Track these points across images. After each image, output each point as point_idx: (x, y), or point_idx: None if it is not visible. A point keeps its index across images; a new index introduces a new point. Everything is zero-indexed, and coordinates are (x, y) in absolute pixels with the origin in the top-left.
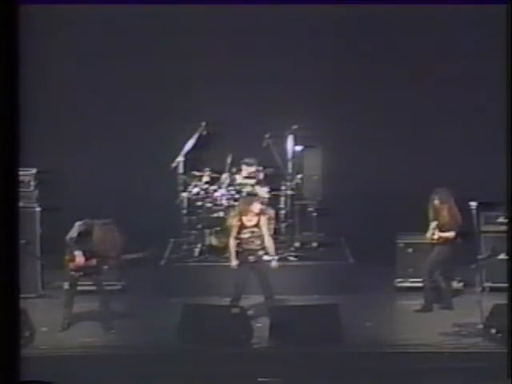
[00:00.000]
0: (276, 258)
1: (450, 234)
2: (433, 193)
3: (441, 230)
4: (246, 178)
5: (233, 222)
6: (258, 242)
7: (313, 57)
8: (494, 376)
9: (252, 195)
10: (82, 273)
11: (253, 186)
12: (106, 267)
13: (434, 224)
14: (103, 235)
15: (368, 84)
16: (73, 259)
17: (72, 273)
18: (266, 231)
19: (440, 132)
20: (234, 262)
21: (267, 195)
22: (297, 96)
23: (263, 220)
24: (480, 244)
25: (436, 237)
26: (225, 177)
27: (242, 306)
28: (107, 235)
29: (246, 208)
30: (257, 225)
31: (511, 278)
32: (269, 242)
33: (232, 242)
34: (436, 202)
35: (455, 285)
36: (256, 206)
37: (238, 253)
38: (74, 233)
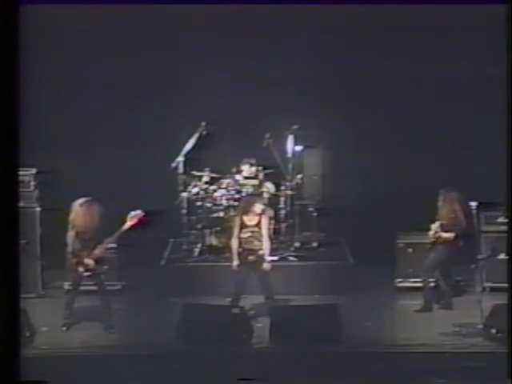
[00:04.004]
0: (274, 258)
1: (451, 235)
2: (440, 193)
3: (443, 230)
4: (247, 178)
5: (235, 221)
6: (258, 241)
7: (313, 57)
8: (494, 376)
9: (254, 195)
10: (88, 273)
11: (259, 184)
12: (106, 267)
13: (437, 223)
14: (86, 212)
15: (368, 84)
16: (80, 261)
17: (78, 274)
18: (265, 232)
19: (440, 132)
20: (236, 262)
21: (274, 191)
22: (297, 96)
23: (264, 220)
24: (480, 244)
25: (438, 236)
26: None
27: (242, 306)
28: (90, 210)
29: (248, 207)
30: (257, 225)
31: (511, 278)
32: (266, 244)
33: (234, 242)
34: (441, 202)
35: (455, 285)
36: (258, 206)
37: (238, 252)
38: (71, 237)
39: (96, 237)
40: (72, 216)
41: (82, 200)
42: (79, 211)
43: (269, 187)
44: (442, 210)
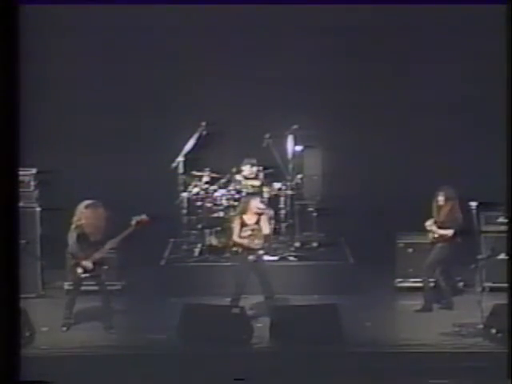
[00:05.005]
0: (274, 258)
1: (448, 232)
2: (438, 190)
3: (440, 228)
4: (247, 178)
5: (235, 220)
6: (258, 240)
7: (313, 56)
8: (494, 376)
9: (252, 194)
10: (88, 274)
11: (260, 185)
12: (106, 267)
13: (431, 221)
14: (91, 214)
15: (368, 84)
16: (79, 263)
17: (78, 274)
18: (265, 230)
19: (440, 132)
20: (236, 262)
21: (276, 191)
22: (297, 96)
23: (263, 218)
24: (480, 244)
25: (434, 234)
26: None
27: (242, 306)
28: (95, 214)
29: (246, 206)
30: (257, 223)
31: (511, 278)
32: (266, 242)
33: (236, 240)
34: (440, 198)
35: (455, 285)
36: (255, 204)
37: (238, 252)
38: (72, 238)
39: (98, 239)
40: (76, 218)
41: (87, 202)
42: (84, 213)
43: (274, 186)
44: (440, 208)
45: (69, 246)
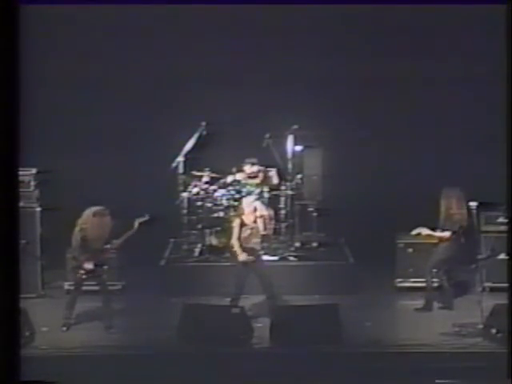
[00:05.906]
0: (274, 258)
1: (445, 234)
2: (442, 191)
3: (443, 229)
4: (249, 177)
5: (235, 220)
6: (257, 239)
7: (313, 56)
8: (494, 376)
9: (248, 193)
10: (90, 274)
11: (261, 183)
12: (106, 267)
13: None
14: (98, 222)
15: (368, 84)
16: (82, 263)
17: (79, 275)
18: (262, 228)
19: (440, 132)
20: (237, 262)
21: (277, 181)
22: (297, 96)
23: (259, 215)
24: (480, 244)
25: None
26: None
27: (242, 306)
28: (102, 221)
29: (242, 206)
30: (255, 221)
31: (511, 278)
32: (265, 240)
33: (235, 241)
34: (444, 200)
35: (456, 285)
36: (246, 202)
37: (239, 252)
38: (76, 241)
39: (102, 243)
40: (82, 222)
41: (95, 209)
42: (91, 221)
43: (272, 177)
44: (445, 208)
45: (72, 248)
